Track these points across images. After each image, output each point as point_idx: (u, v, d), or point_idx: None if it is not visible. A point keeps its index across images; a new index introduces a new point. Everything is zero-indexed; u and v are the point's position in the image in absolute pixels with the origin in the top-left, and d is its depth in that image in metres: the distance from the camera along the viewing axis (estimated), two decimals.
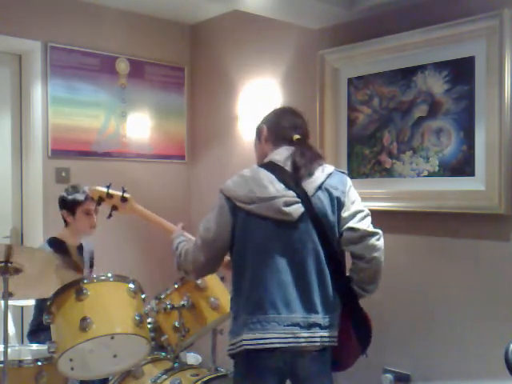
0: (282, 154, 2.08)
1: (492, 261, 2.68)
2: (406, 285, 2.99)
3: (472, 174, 2.72)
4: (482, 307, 2.71)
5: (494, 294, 2.68)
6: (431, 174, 2.87)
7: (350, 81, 3.20)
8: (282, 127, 2.16)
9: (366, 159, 3.14)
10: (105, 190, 2.50)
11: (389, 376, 3.02)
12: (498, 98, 2.58)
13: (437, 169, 2.85)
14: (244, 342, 1.98)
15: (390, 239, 2.91)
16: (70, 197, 2.93)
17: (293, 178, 2.02)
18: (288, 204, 1.97)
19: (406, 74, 2.95)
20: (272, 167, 2.05)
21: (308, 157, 2.07)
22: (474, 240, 2.74)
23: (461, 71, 2.75)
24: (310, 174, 2.03)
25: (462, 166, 2.76)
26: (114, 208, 2.55)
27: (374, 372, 3.04)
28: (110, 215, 2.55)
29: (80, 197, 2.93)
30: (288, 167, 2.04)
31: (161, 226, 2.56)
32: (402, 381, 2.99)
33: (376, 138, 3.08)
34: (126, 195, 2.52)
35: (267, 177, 2.02)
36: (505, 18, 2.55)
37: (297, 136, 2.12)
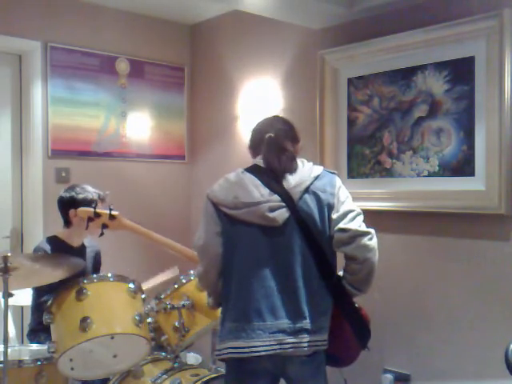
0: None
1: (492, 261, 2.68)
2: (406, 284, 2.99)
3: (472, 174, 2.72)
4: (482, 307, 2.71)
5: (493, 294, 2.68)
6: (431, 174, 2.87)
7: (350, 81, 3.20)
8: (258, 132, 2.15)
9: (365, 159, 3.14)
10: (92, 209, 2.50)
11: (389, 376, 3.02)
12: (498, 98, 2.58)
13: (437, 169, 2.85)
14: (229, 350, 1.97)
15: (390, 239, 2.94)
16: (80, 196, 2.78)
17: (276, 180, 2.00)
18: (273, 209, 1.95)
19: (406, 74, 2.95)
20: (257, 170, 2.04)
21: (281, 156, 2.04)
22: (474, 240, 2.74)
23: (461, 71, 2.75)
24: (286, 171, 2.01)
25: (462, 166, 2.76)
26: (105, 226, 2.56)
27: (374, 372, 3.05)
28: (102, 233, 2.57)
29: (94, 196, 2.80)
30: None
31: (151, 239, 2.59)
32: (402, 381, 2.99)
33: (376, 138, 3.08)
34: (113, 213, 2.51)
35: (252, 181, 2.01)
36: (505, 17, 2.54)
37: (269, 134, 2.09)
